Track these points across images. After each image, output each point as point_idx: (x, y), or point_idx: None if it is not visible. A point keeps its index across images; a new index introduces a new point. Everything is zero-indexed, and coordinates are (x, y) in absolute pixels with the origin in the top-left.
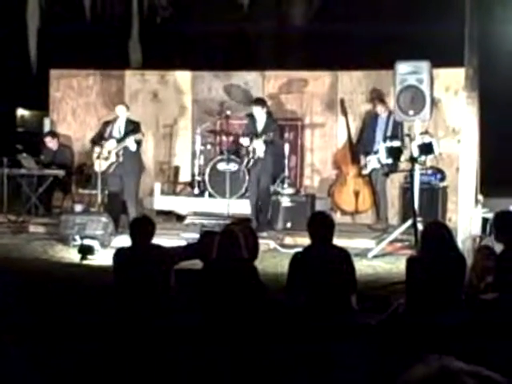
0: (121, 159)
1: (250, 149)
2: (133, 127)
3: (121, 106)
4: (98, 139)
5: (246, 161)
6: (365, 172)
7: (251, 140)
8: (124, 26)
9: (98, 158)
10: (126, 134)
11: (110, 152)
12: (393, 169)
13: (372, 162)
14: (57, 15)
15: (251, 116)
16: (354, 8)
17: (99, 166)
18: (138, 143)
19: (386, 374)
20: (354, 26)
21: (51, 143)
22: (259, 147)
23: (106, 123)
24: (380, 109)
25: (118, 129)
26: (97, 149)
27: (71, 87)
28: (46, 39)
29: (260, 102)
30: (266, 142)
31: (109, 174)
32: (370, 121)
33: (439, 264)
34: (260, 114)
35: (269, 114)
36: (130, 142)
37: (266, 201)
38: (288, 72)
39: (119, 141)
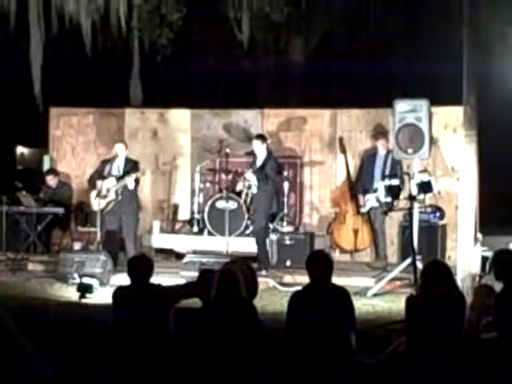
0: (119, 197)
1: (246, 185)
2: (131, 166)
3: (120, 144)
4: (97, 178)
5: (243, 198)
6: (363, 210)
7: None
8: (124, 65)
9: (98, 196)
10: (126, 172)
11: (108, 190)
12: (392, 207)
13: (371, 201)
14: (58, 53)
15: (253, 154)
16: (353, 46)
17: (98, 204)
18: (137, 182)
19: None
20: (353, 64)
21: (52, 181)
22: (253, 183)
23: (105, 162)
24: (382, 144)
25: (117, 167)
26: (95, 187)
27: (71, 125)
28: (46, 77)
29: (260, 137)
30: (258, 178)
31: (107, 212)
32: (368, 159)
33: (439, 303)
34: (260, 150)
35: (268, 150)
36: (130, 181)
37: (260, 239)
38: (287, 110)
39: (118, 179)
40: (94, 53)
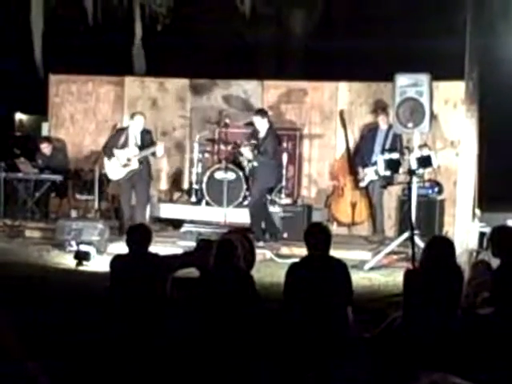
0: (141, 166)
1: (247, 157)
2: (150, 136)
3: (140, 115)
4: (111, 146)
5: (247, 170)
6: (362, 184)
7: (252, 150)
8: (125, 33)
9: (116, 164)
10: (145, 142)
11: (129, 159)
12: (391, 181)
13: (370, 175)
14: (59, 20)
15: (252, 125)
16: (355, 21)
17: (116, 173)
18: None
19: None
20: (355, 39)
21: (46, 149)
22: (248, 157)
23: (120, 130)
24: (382, 119)
25: (135, 137)
26: (111, 156)
27: (70, 92)
28: (47, 45)
29: (259, 112)
30: (255, 153)
31: (121, 180)
32: (368, 134)
33: (437, 277)
34: (260, 124)
35: (270, 124)
36: (159, 149)
37: (255, 211)
38: (287, 82)
39: (141, 148)
40: (95, 21)
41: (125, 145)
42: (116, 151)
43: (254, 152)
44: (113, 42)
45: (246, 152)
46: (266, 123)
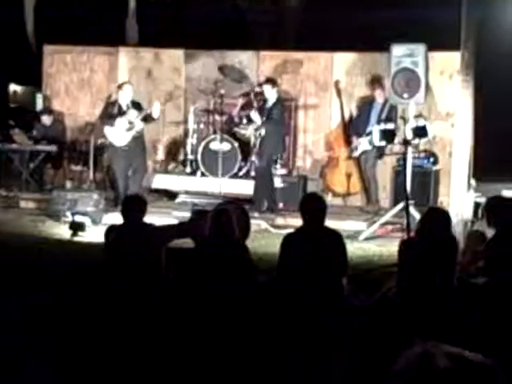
0: (142, 127)
1: (254, 127)
2: (139, 106)
3: (128, 84)
4: (107, 117)
5: (252, 140)
6: (355, 154)
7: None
8: (119, 3)
9: (120, 130)
10: (139, 108)
11: (132, 122)
12: (385, 151)
13: (363, 144)
14: None
15: (247, 96)
16: None
17: (122, 138)
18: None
19: (375, 357)
20: (350, 10)
21: (47, 120)
22: (257, 121)
23: (111, 103)
24: (379, 93)
25: (127, 106)
26: (111, 124)
27: (65, 63)
28: (41, 17)
29: (270, 81)
30: (263, 119)
31: (120, 150)
32: (364, 106)
33: (432, 247)
34: (270, 94)
35: (278, 95)
36: (155, 109)
37: (261, 180)
38: (283, 52)
39: (139, 110)
40: None
41: (119, 114)
42: (116, 119)
43: (262, 119)
44: (106, 12)
45: (256, 117)
46: (275, 93)
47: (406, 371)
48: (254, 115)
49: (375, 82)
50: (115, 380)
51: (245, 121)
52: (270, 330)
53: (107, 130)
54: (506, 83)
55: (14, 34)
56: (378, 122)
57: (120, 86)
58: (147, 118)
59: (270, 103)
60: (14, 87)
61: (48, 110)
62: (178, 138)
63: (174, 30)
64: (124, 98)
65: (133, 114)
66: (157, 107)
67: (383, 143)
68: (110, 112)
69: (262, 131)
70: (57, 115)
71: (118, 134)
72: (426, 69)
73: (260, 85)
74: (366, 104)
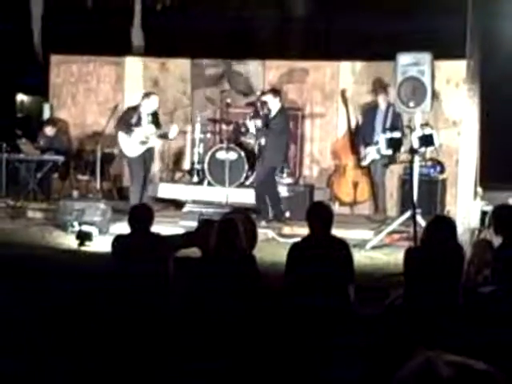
0: (158, 144)
1: (253, 135)
2: (158, 118)
3: (155, 95)
4: (125, 124)
5: (255, 148)
6: (364, 163)
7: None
8: (125, 13)
9: (134, 141)
10: (155, 123)
11: (148, 137)
12: (392, 160)
13: (371, 154)
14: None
15: (253, 106)
16: (356, 0)
17: (133, 149)
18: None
19: (382, 366)
20: (356, 18)
21: (50, 131)
22: (252, 130)
23: (132, 109)
24: (382, 98)
25: (147, 116)
26: (127, 133)
27: (71, 73)
28: (47, 27)
29: (272, 91)
30: (258, 128)
31: (135, 158)
32: (368, 112)
33: (438, 256)
34: (272, 104)
35: (281, 104)
36: (173, 130)
37: (261, 190)
38: (289, 62)
39: (157, 127)
40: (95, 1)
41: (138, 123)
42: (134, 130)
43: (263, 128)
44: (112, 22)
45: (251, 126)
46: (277, 103)
47: (409, 380)
48: (250, 123)
49: (378, 87)
50: None
51: (248, 129)
52: (276, 341)
53: (121, 137)
54: None
55: (20, 43)
56: (384, 130)
57: (147, 95)
58: (162, 136)
59: (272, 113)
60: (21, 97)
61: (52, 121)
62: (184, 147)
63: (179, 40)
64: (147, 108)
65: (150, 130)
66: (174, 130)
67: (390, 152)
68: (129, 119)
69: (262, 140)
70: (61, 125)
71: (131, 145)
72: (432, 77)
73: (263, 93)
74: (369, 111)
